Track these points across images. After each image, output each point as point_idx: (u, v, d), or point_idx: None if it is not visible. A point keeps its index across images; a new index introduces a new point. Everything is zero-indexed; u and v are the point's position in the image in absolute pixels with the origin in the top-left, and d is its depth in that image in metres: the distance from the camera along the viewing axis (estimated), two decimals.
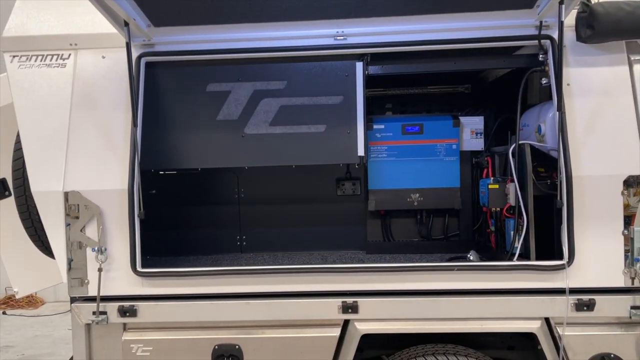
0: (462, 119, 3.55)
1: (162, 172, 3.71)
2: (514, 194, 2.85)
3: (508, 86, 3.66)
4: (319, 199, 3.72)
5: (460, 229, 3.64)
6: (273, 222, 3.75)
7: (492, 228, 3.20)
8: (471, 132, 3.58)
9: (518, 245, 2.81)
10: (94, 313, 2.80)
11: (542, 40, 2.80)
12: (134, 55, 2.85)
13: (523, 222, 2.80)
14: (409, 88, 3.95)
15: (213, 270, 2.84)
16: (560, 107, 2.65)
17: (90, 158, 2.87)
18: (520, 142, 2.88)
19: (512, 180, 2.88)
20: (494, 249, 3.24)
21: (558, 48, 2.63)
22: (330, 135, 3.06)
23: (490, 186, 2.98)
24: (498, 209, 2.99)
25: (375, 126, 3.52)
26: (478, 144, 3.58)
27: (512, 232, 2.87)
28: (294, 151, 3.08)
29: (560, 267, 2.66)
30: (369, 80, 3.28)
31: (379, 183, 3.53)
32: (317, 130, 3.07)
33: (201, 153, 3.08)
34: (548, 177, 2.88)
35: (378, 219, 3.67)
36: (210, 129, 3.07)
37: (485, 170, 3.47)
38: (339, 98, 3.05)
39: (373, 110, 3.92)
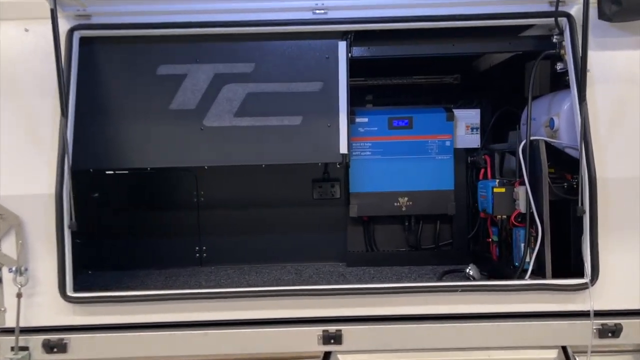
0: (457, 112, 3.11)
1: (108, 172, 3.15)
2: (525, 199, 2.42)
3: (503, 76, 3.24)
4: (293, 203, 3.22)
5: (453, 237, 3.20)
6: (238, 230, 3.23)
7: (495, 238, 2.76)
8: (466, 127, 3.14)
9: (531, 260, 2.37)
10: (12, 349, 2.23)
11: (558, 18, 2.36)
12: (64, 27, 2.29)
13: (536, 232, 2.37)
14: (392, 78, 3.49)
15: (162, 294, 2.31)
16: (583, 97, 2.22)
17: (9, 155, 2.29)
18: (533, 138, 2.44)
19: (522, 183, 2.44)
20: (494, 262, 2.80)
21: (583, 24, 2.20)
22: (308, 128, 2.57)
23: (495, 190, 2.54)
24: (504, 216, 2.55)
25: (358, 119, 3.04)
26: (474, 141, 3.15)
27: (522, 245, 2.44)
28: (264, 148, 2.57)
29: (582, 287, 2.23)
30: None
31: (362, 185, 3.05)
32: (291, 122, 2.57)
33: (149, 150, 2.54)
34: (560, 178, 2.45)
35: (360, 226, 3.20)
36: (161, 121, 2.53)
37: (482, 171, 3.04)
38: (318, 84, 2.56)
39: (352, 102, 3.43)
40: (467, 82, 3.50)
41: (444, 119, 3.06)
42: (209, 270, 3.12)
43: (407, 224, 3.16)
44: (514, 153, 2.84)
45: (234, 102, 2.54)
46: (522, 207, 2.44)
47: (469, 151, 3.15)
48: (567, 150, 2.43)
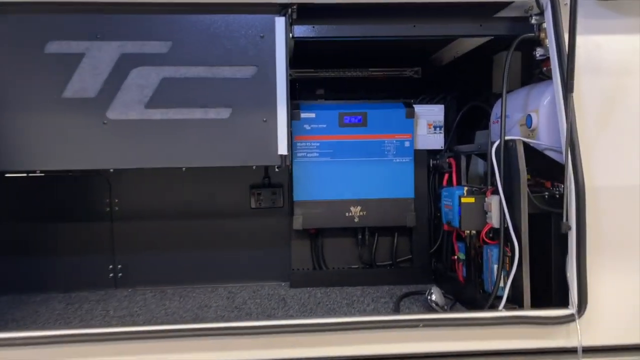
0: (417, 108, 2.69)
1: None
2: (499, 212, 2.01)
3: (469, 70, 2.86)
4: (226, 214, 2.73)
5: (413, 253, 2.78)
6: (161, 246, 2.71)
7: (461, 256, 2.35)
8: (428, 125, 2.73)
9: (506, 286, 1.96)
10: None
11: None
12: None
13: (511, 252, 1.96)
14: (345, 70, 3.06)
15: (49, 336, 1.78)
16: (570, 88, 1.83)
17: None
18: (508, 137, 2.04)
19: (495, 192, 2.03)
20: (461, 284, 2.39)
21: (572, 1, 1.81)
22: (238, 124, 2.09)
23: (463, 199, 2.12)
24: (473, 231, 2.14)
25: (303, 114, 2.58)
26: (437, 141, 2.74)
27: (494, 267, 2.03)
28: (184, 147, 2.08)
29: (568, 319, 1.84)
30: (295, 56, 2.36)
31: (308, 192, 2.59)
32: (217, 116, 2.09)
33: (37, 149, 2.01)
34: (539, 187, 2.06)
35: (306, 241, 2.74)
36: (51, 112, 2.00)
37: (446, 176, 2.63)
38: (251, 70, 2.09)
39: (300, 96, 2.98)
40: (428, 76, 3.10)
41: (403, 116, 2.63)
42: (123, 295, 2.59)
43: (360, 237, 2.72)
44: (484, 156, 2.45)
45: (146, 90, 2.04)
46: (494, 221, 2.03)
47: (431, 153, 2.74)
48: (548, 153, 2.03)
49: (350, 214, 2.61)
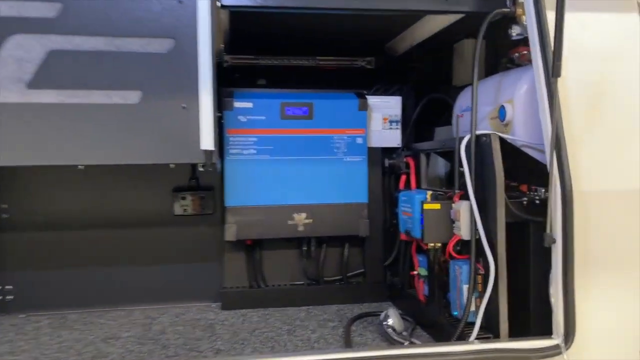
0: (371, 100, 2.33)
1: None
2: (469, 221, 1.66)
3: (427, 60, 2.54)
4: (143, 222, 2.28)
5: (365, 266, 2.41)
6: (62, 261, 2.23)
7: (422, 271, 2.00)
8: (383, 119, 2.37)
9: (478, 311, 1.62)
10: None
11: None
12: None
13: (485, 269, 1.62)
14: (290, 58, 2.67)
15: None
16: (557, 71, 1.51)
17: None
18: (480, 132, 1.70)
19: (465, 197, 1.69)
20: (422, 304, 2.04)
21: None
22: (150, 110, 1.66)
23: (426, 206, 1.76)
24: (438, 244, 1.79)
25: (237, 103, 2.17)
26: (393, 138, 2.39)
27: (464, 287, 1.68)
28: (81, 139, 1.63)
29: (553, 351, 1.51)
30: (232, 40, 1.98)
31: (243, 197, 2.18)
32: (124, 100, 1.65)
33: None
34: (515, 190, 1.74)
35: (241, 253, 2.32)
36: None
37: (403, 178, 2.29)
38: (166, 43, 1.66)
39: (238, 87, 2.57)
40: (383, 67, 2.75)
41: (355, 108, 2.27)
42: (11, 323, 2.10)
43: (305, 249, 2.33)
44: (447, 155, 2.11)
45: (27, 65, 1.58)
46: (464, 232, 1.68)
47: (386, 152, 2.39)
48: (525, 150, 1.71)
49: (293, 222, 2.22)
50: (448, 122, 2.59)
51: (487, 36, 2.49)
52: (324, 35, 2.33)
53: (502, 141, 1.65)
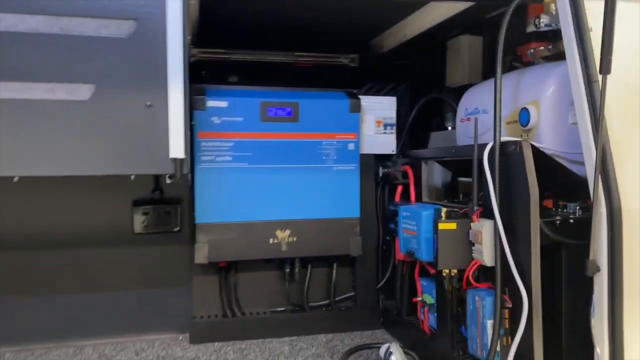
0: (364, 100, 2.05)
1: None
2: (494, 244, 1.40)
3: (418, 58, 2.30)
4: (97, 241, 1.93)
5: (356, 289, 2.13)
6: (2, 286, 1.86)
7: (428, 299, 1.72)
8: (377, 122, 2.10)
9: (508, 352, 1.35)
10: None
11: None
12: None
13: (512, 302, 1.36)
14: (266, 53, 2.37)
15: None
16: (606, 67, 1.26)
17: None
18: (506, 138, 1.43)
19: (486, 215, 1.43)
20: (427, 334, 1.77)
21: None
22: (106, 109, 1.34)
23: (441, 225, 1.48)
24: (454, 271, 1.51)
25: (210, 102, 1.85)
26: (388, 144, 2.11)
27: (488, 322, 1.41)
28: (17, 144, 1.29)
29: None
30: (201, 30, 1.67)
31: (217, 211, 1.86)
32: (72, 96, 1.33)
33: None
34: (544, 208, 1.48)
35: (214, 277, 2.00)
36: None
37: (399, 188, 2.03)
38: (127, 25, 1.34)
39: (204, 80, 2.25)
40: (368, 65, 2.48)
41: (346, 109, 1.98)
42: None
43: (288, 270, 2.02)
44: (452, 164, 1.86)
45: None
46: (486, 258, 1.41)
47: (379, 159, 2.11)
48: (560, 161, 1.46)
49: (275, 241, 1.91)
50: (442, 126, 2.35)
51: (484, 33, 2.27)
52: (303, 28, 2.05)
53: (537, 150, 1.39)
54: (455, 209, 1.55)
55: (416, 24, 2.06)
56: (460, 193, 1.98)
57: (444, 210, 1.50)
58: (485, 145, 1.45)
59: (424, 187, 1.93)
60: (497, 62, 1.46)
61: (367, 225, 2.06)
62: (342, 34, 2.17)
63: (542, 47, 1.70)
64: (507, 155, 1.41)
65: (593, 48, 1.32)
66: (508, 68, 2.00)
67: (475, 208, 1.48)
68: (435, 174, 2.03)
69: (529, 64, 1.75)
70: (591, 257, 1.29)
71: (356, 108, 1.98)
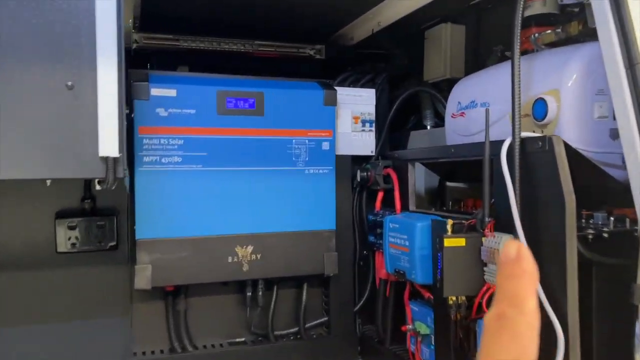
0: (341, 92, 1.75)
1: None
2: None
3: (391, 49, 2.04)
4: (11, 262, 1.53)
5: (330, 314, 1.81)
6: None
7: (422, 328, 1.43)
8: (354, 118, 1.80)
9: None
10: None
11: None
12: None
13: (544, 338, 1.09)
14: (221, 40, 2.03)
15: None
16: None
17: None
18: (527, 134, 1.17)
19: (500, 227, 1.15)
20: None
21: None
22: (9, 90, 0.97)
23: (447, 242, 1.19)
24: (462, 298, 1.23)
25: (155, 90, 1.50)
26: (366, 143, 1.82)
27: None
28: None
29: None
30: (145, 18, 1.36)
31: (163, 225, 1.51)
32: None
33: None
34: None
35: (159, 304, 1.64)
36: None
37: (380, 195, 1.74)
38: None
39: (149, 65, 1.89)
40: (335, 56, 2.18)
41: (320, 102, 1.67)
42: None
43: (250, 294, 1.68)
44: (442, 167, 1.60)
45: None
46: None
47: (357, 161, 1.82)
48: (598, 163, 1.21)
49: (235, 259, 1.58)
50: (419, 125, 2.10)
51: (467, 21, 2.04)
52: (263, 13, 1.74)
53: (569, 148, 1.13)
54: (461, 221, 1.26)
55: (389, 11, 1.79)
56: (449, 200, 1.73)
57: (449, 222, 1.22)
58: (499, 142, 1.18)
59: (411, 193, 1.65)
60: (515, 40, 1.19)
61: (343, 239, 1.76)
62: (306, 21, 1.88)
63: (549, 31, 1.46)
64: (531, 154, 1.14)
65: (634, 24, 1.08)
66: (499, 59, 1.78)
67: (487, 219, 1.20)
68: (421, 179, 1.77)
69: (526, 52, 1.52)
70: (638, 281, 1.04)
71: (332, 101, 1.68)
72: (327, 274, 1.69)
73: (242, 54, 2.08)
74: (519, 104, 1.17)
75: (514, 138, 1.15)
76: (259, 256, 1.60)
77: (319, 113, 1.66)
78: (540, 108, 1.27)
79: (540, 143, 1.11)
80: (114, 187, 1.11)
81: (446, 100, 1.86)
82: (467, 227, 1.25)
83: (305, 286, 1.76)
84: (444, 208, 1.71)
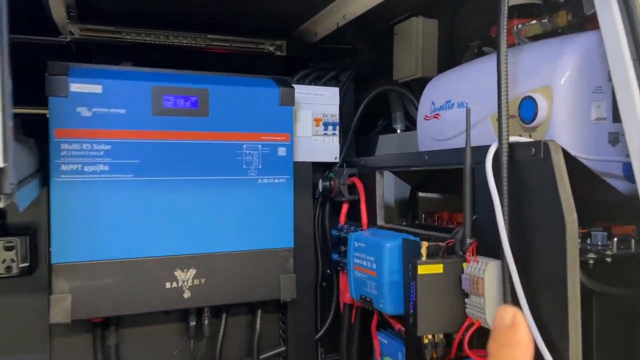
0: (300, 91, 1.54)
1: None
2: (501, 296, 0.92)
3: (357, 46, 1.85)
4: None
5: (288, 343, 1.58)
6: None
7: None
8: (315, 120, 1.59)
9: None
10: None
11: None
12: None
13: None
14: (170, 34, 1.80)
15: None
16: None
17: None
18: (517, 139, 0.97)
19: (484, 249, 0.96)
20: None
21: None
22: None
23: (422, 269, 0.98)
24: (440, 336, 1.02)
25: (74, 85, 1.25)
26: (329, 149, 1.61)
27: None
28: None
29: None
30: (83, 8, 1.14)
31: (85, 246, 1.26)
32: None
33: None
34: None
35: (84, 337, 1.38)
36: None
37: (344, 207, 1.54)
38: None
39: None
40: (297, 54, 1.98)
41: (276, 101, 1.45)
42: None
43: (193, 324, 1.45)
44: (412, 177, 1.41)
45: None
46: (490, 316, 0.94)
47: (318, 169, 1.61)
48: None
49: (175, 285, 1.34)
50: (389, 128, 1.92)
51: (441, 15, 1.87)
52: (218, 4, 1.52)
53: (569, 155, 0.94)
54: (437, 243, 1.06)
55: (355, 3, 1.59)
56: (421, 213, 1.53)
57: (424, 244, 1.01)
58: (482, 149, 0.99)
59: (379, 206, 1.45)
60: (501, 29, 1.00)
61: (303, 258, 1.54)
62: (266, 13, 1.66)
63: (534, 22, 1.28)
64: (521, 163, 0.94)
65: None
66: (476, 55, 1.61)
67: (469, 241, 1.00)
68: (390, 189, 1.57)
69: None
70: None
71: (289, 100, 1.46)
72: (284, 299, 1.46)
73: (194, 49, 1.86)
74: (506, 102, 0.97)
75: (500, 143, 0.95)
76: (202, 281, 1.36)
77: (275, 114, 1.44)
78: (528, 108, 1.08)
79: (533, 150, 0.91)
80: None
81: (418, 100, 1.69)
82: (444, 250, 1.05)
83: (259, 312, 1.53)
84: (416, 222, 1.52)
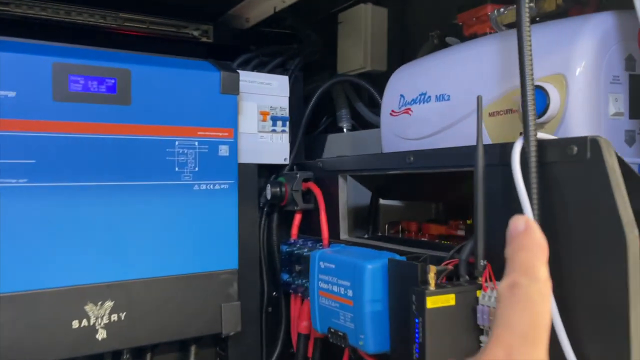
0: (245, 78, 1.27)
1: None
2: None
3: (296, 36, 1.65)
4: None
5: None
6: None
7: None
8: (262, 114, 1.33)
9: None
10: None
11: None
12: None
13: None
14: (74, 9, 1.46)
15: None
16: None
17: None
18: (546, 136, 0.79)
19: (500, 274, 0.76)
20: None
21: None
22: None
23: (432, 301, 0.76)
24: None
25: None
26: (279, 148, 1.35)
27: None
28: None
29: None
30: None
31: None
32: None
33: None
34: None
35: None
36: None
37: (297, 219, 1.30)
38: None
39: None
40: (227, 41, 1.71)
41: (216, 87, 1.17)
42: None
43: None
44: (373, 182, 1.20)
45: None
46: None
47: (265, 172, 1.35)
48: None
49: (85, 324, 1.02)
50: (335, 127, 1.71)
51: (391, 1, 1.71)
52: None
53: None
54: (431, 262, 0.84)
55: None
56: (384, 223, 1.33)
57: (432, 268, 0.78)
58: (497, 147, 0.79)
59: (342, 216, 1.22)
60: (522, 4, 0.80)
61: (248, 281, 1.27)
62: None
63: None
64: (554, 166, 0.75)
65: None
66: (436, 46, 1.44)
67: (483, 262, 0.79)
68: (350, 195, 1.34)
69: (474, 36, 1.19)
70: None
71: (232, 87, 1.18)
72: (227, 333, 1.19)
73: (103, 30, 1.54)
74: (532, 89, 0.77)
75: (527, 140, 0.75)
76: (122, 316, 1.05)
77: (215, 104, 1.16)
78: (537, 100, 0.90)
79: (575, 149, 0.72)
80: None
81: (367, 96, 1.50)
82: (447, 273, 0.83)
83: (192, 349, 1.24)
84: (379, 234, 1.31)
